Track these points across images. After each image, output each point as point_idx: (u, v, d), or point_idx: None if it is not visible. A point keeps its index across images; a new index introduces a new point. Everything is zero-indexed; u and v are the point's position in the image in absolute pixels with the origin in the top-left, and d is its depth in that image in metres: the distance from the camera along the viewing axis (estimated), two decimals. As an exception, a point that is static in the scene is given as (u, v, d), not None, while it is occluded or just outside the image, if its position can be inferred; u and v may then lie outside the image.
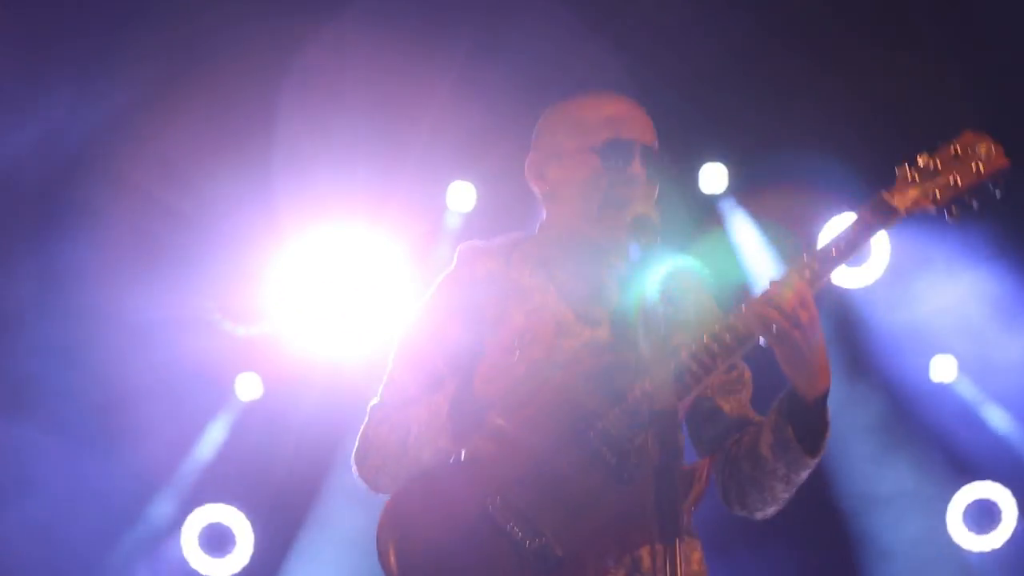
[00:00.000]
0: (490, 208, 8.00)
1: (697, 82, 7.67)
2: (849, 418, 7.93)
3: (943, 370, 8.25)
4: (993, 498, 8.28)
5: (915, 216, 3.69)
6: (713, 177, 8.09)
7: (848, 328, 7.99)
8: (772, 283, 3.61)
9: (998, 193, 3.69)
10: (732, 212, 8.08)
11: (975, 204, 3.69)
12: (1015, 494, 8.27)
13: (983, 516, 8.28)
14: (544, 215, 4.07)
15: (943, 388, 8.27)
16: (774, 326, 3.55)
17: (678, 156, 7.47)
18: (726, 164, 8.08)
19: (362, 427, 3.92)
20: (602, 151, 3.87)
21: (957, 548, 8.27)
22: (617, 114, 3.95)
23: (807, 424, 3.67)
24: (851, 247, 3.64)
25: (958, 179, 3.66)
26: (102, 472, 7.95)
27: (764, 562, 7.90)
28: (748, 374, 4.01)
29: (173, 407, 8.05)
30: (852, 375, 7.98)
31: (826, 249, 3.64)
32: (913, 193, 3.66)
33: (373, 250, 7.99)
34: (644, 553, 3.60)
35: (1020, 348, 7.94)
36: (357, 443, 3.91)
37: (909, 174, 3.69)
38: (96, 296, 7.76)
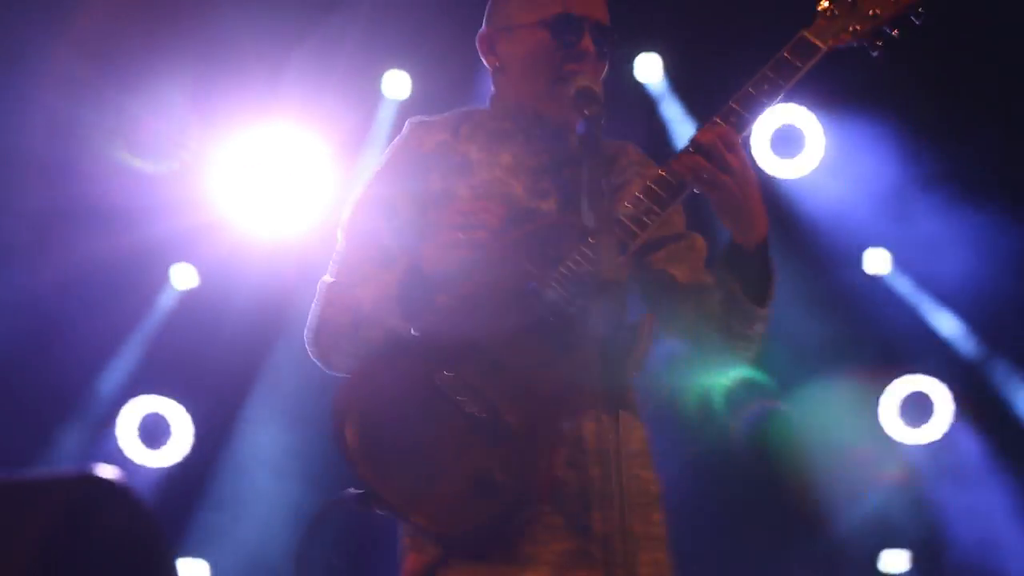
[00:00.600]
0: (425, 97, 7.95)
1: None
2: (781, 311, 7.91)
3: (877, 262, 8.26)
4: (927, 391, 8.31)
5: (837, 51, 3.69)
6: (648, 67, 8.05)
7: (781, 219, 7.97)
8: (697, 131, 3.62)
9: (917, 21, 3.70)
10: (667, 102, 8.04)
11: (896, 33, 3.70)
12: (950, 387, 8.30)
13: (917, 409, 8.32)
14: (495, 89, 4.07)
15: (876, 280, 8.28)
16: (704, 173, 3.55)
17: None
18: (661, 54, 8.03)
19: (313, 305, 3.91)
20: (552, 25, 3.86)
21: (891, 441, 8.30)
22: None
23: (751, 274, 3.67)
24: (774, 88, 3.63)
25: (878, 10, 3.69)
26: (36, 364, 7.92)
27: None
28: (700, 241, 4.01)
29: (108, 298, 8.01)
30: (784, 266, 7.95)
31: (745, 91, 3.63)
32: (833, 28, 3.68)
33: (307, 139, 7.94)
34: (587, 425, 3.62)
35: (954, 240, 7.93)
36: (309, 321, 3.90)
37: (829, 10, 3.70)
38: (25, 178, 7.71)
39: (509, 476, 3.53)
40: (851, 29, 3.68)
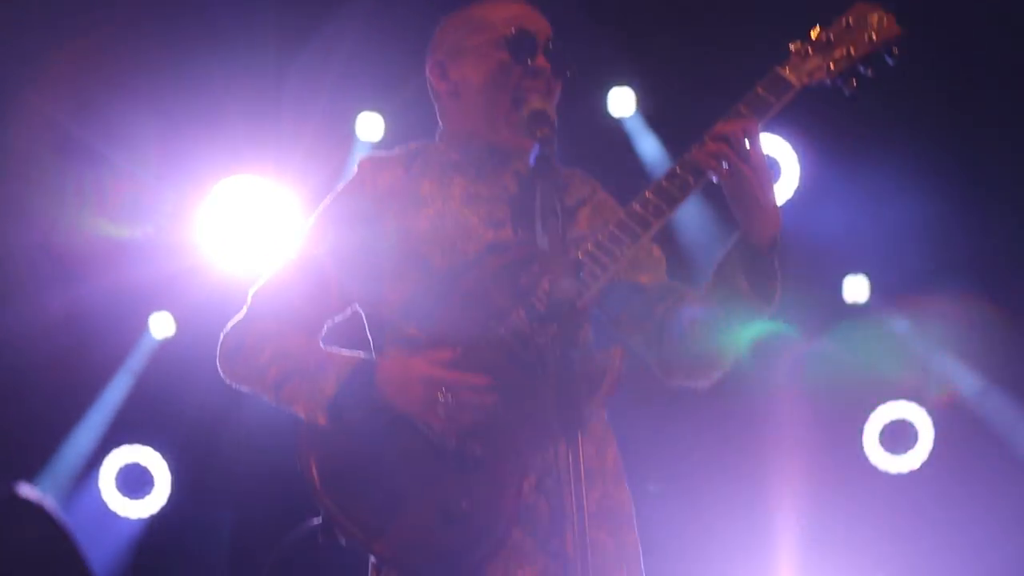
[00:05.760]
0: (398, 139, 7.92)
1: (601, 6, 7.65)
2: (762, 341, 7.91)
3: (856, 290, 8.25)
4: (909, 418, 8.29)
5: (810, 88, 3.69)
6: (621, 101, 8.06)
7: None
8: (719, 123, 3.59)
9: (891, 62, 3.71)
10: (640, 135, 8.05)
11: (869, 72, 3.70)
12: (930, 414, 8.29)
13: (899, 437, 8.30)
14: (444, 123, 4.05)
15: (856, 308, 8.27)
16: (726, 160, 3.53)
17: (586, 80, 7.46)
18: (633, 88, 8.04)
19: (242, 316, 3.88)
20: (509, 42, 3.85)
21: (874, 469, 8.28)
22: (520, 12, 3.94)
23: (759, 273, 3.65)
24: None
25: (852, 49, 3.68)
26: (12, 412, 7.89)
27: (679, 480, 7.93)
28: (658, 251, 4.00)
29: (86, 346, 7.98)
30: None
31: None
32: (807, 66, 3.67)
33: (282, 183, 7.94)
34: (554, 450, 3.58)
35: (932, 266, 7.94)
36: (231, 332, 3.87)
37: (803, 48, 3.70)
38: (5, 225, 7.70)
39: (476, 506, 3.52)
40: (825, 67, 3.67)
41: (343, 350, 3.77)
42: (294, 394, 3.70)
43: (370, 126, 8.07)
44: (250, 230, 7.96)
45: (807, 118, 7.27)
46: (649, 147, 8.02)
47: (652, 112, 8.08)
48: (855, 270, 8.27)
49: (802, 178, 7.97)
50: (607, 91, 8.06)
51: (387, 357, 3.73)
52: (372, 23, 7.64)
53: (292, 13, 7.68)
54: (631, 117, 8.09)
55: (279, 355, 3.76)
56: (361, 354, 3.76)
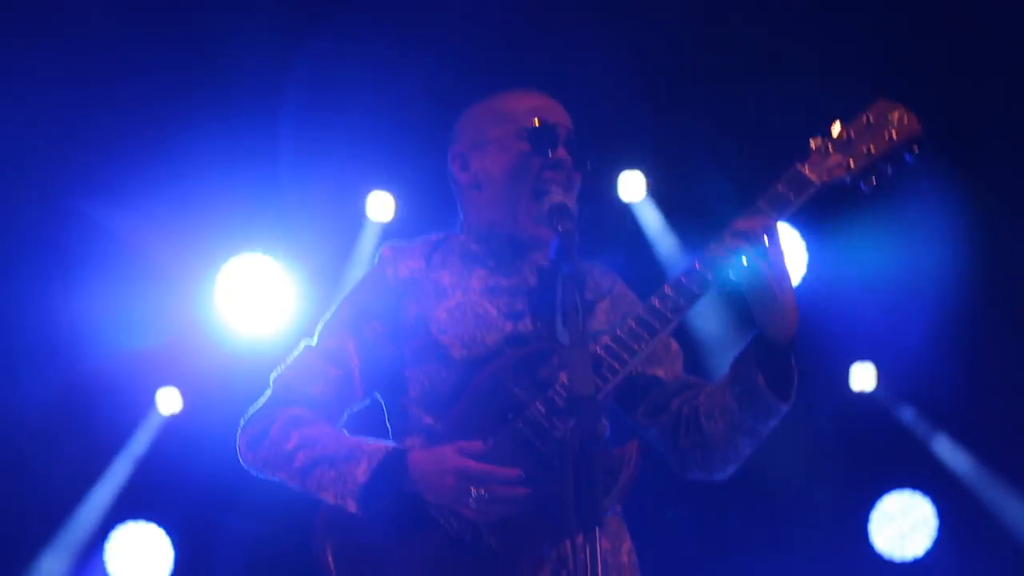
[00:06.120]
0: (409, 218, 7.99)
1: (613, 92, 7.69)
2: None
3: (862, 378, 8.25)
4: (914, 506, 8.28)
5: (831, 186, 3.66)
6: (632, 185, 8.10)
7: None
8: (737, 220, 3.59)
9: (911, 161, 3.68)
10: (651, 219, 8.08)
11: (890, 171, 3.67)
12: (935, 502, 8.27)
13: (905, 524, 8.29)
14: (464, 214, 4.06)
15: (863, 396, 8.28)
16: (746, 257, 3.53)
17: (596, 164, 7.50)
18: (644, 172, 8.09)
19: (265, 401, 3.87)
20: (530, 134, 3.86)
21: (879, 557, 8.26)
22: (541, 104, 3.96)
23: (775, 371, 3.63)
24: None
25: (872, 147, 3.65)
26: (22, 487, 7.89)
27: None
28: (676, 346, 4.01)
29: (93, 422, 7.99)
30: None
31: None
32: (827, 163, 3.65)
33: (292, 260, 7.96)
34: (569, 544, 3.57)
35: (938, 355, 7.95)
36: (253, 418, 3.85)
37: (823, 145, 3.68)
38: (14, 304, 7.71)
39: None
40: (846, 165, 3.65)
41: (368, 439, 3.77)
42: (322, 481, 3.68)
43: (381, 205, 8.08)
44: (259, 308, 7.97)
45: (815, 206, 7.29)
46: (660, 231, 8.04)
47: (663, 196, 8.10)
48: (862, 358, 8.25)
49: (809, 266, 7.99)
50: (617, 175, 8.10)
51: (415, 447, 3.72)
52: (382, 103, 7.69)
53: (305, 90, 7.72)
54: (641, 202, 8.11)
55: (306, 442, 3.73)
56: (391, 443, 3.76)
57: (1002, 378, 7.93)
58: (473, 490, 3.50)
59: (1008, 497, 8.18)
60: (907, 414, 8.26)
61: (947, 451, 8.25)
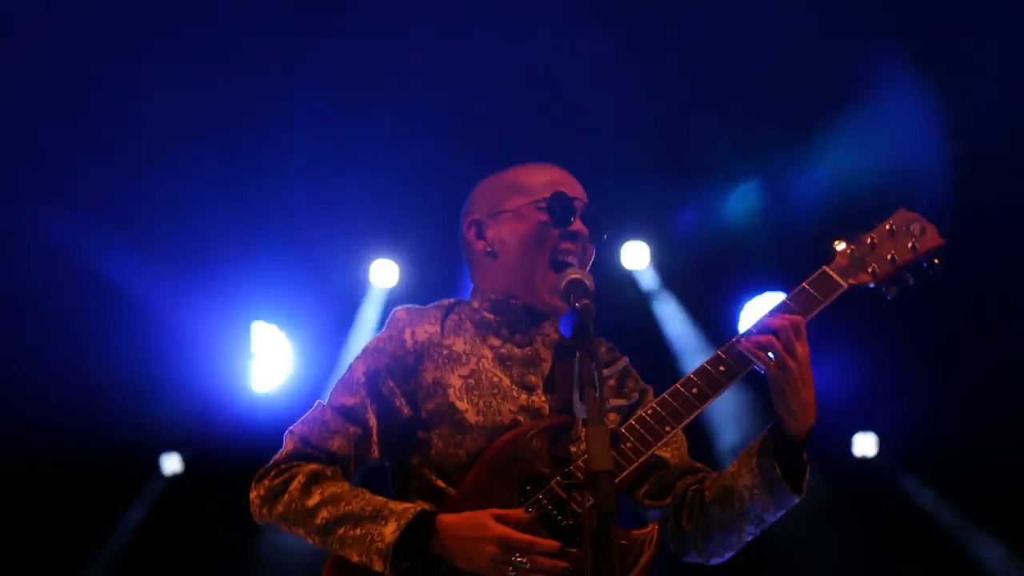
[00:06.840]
0: (412, 285, 8.02)
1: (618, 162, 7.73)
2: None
3: (864, 446, 8.30)
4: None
5: (857, 289, 3.72)
6: (635, 255, 8.13)
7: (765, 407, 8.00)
8: (767, 315, 3.64)
9: (932, 272, 3.76)
10: (654, 288, 8.13)
11: (911, 281, 3.76)
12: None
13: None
14: (477, 282, 4.05)
15: (865, 462, 8.33)
16: (774, 353, 3.56)
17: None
18: (647, 242, 8.13)
19: (282, 457, 3.77)
20: (549, 204, 3.86)
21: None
22: (557, 176, 3.96)
23: (790, 463, 3.64)
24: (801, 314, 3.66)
25: (895, 255, 3.76)
26: (23, 550, 7.92)
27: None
28: (681, 431, 3.99)
29: (97, 485, 8.01)
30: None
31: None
32: (852, 267, 3.73)
33: (295, 326, 7.99)
34: None
35: (939, 423, 7.99)
36: (270, 472, 3.77)
37: (847, 249, 3.76)
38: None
39: None
40: (871, 272, 3.72)
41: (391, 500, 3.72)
42: (346, 539, 3.64)
43: (384, 273, 8.12)
44: (263, 374, 8.00)
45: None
46: (662, 301, 8.08)
47: (665, 267, 8.15)
48: (864, 427, 8.31)
49: (810, 337, 7.99)
50: (620, 244, 8.13)
51: (445, 509, 3.66)
52: (386, 172, 7.73)
53: (310, 159, 7.76)
54: (644, 270, 8.15)
55: (330, 499, 3.70)
56: (416, 504, 3.71)
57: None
58: (516, 558, 3.52)
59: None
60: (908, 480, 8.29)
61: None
